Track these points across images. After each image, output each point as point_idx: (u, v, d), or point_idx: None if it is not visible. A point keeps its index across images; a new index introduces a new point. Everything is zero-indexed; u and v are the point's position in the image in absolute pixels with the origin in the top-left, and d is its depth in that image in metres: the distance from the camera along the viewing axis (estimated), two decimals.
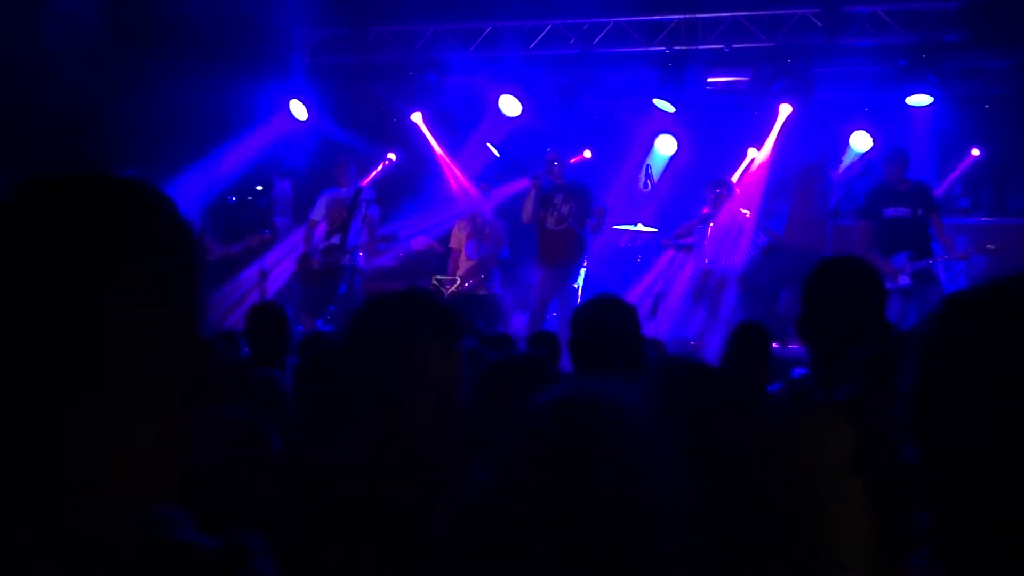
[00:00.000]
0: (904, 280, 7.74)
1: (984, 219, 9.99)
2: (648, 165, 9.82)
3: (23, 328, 0.89)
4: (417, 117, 11.33)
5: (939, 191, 10.19)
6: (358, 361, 1.95)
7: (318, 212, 9.29)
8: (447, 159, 11.28)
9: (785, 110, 10.42)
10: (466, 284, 9.42)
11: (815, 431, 2.41)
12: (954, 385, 0.97)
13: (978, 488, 0.93)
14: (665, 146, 10.81)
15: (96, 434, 0.90)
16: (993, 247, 7.79)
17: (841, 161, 10.75)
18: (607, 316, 3.46)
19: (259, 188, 11.77)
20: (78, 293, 0.89)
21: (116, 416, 0.91)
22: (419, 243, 10.14)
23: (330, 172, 9.53)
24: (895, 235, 7.89)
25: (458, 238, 9.70)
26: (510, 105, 10.67)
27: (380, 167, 11.97)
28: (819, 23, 9.97)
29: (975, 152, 10.64)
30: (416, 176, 12.04)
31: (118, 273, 0.92)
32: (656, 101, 10.45)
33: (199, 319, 0.99)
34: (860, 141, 10.57)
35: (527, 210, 8.83)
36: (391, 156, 12.29)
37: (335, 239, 8.96)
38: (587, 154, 10.31)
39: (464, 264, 9.56)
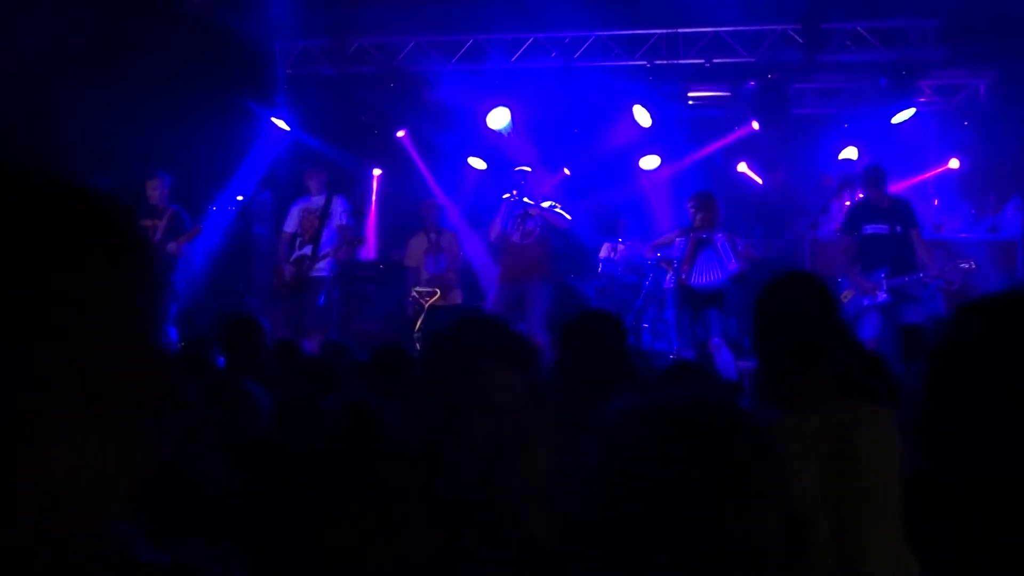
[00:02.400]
0: (882, 296, 7.78)
1: (962, 235, 10.04)
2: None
3: None
4: (402, 134, 11.37)
5: (914, 194, 10.35)
6: (426, 377, 1.99)
7: (291, 223, 8.99)
8: (428, 176, 11.35)
9: (754, 125, 10.62)
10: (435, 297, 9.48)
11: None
12: (956, 391, 0.97)
13: (983, 495, 0.93)
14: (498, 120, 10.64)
15: (48, 450, 0.87)
16: (968, 266, 7.82)
17: (823, 175, 10.86)
18: (595, 330, 3.44)
19: (239, 198, 11.73)
20: (29, 302, 0.86)
21: (69, 431, 0.88)
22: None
23: (301, 181, 9.26)
24: (874, 251, 7.92)
25: (414, 255, 9.68)
26: (499, 118, 10.67)
27: (375, 185, 11.99)
28: (800, 39, 10.03)
29: (955, 162, 10.72)
30: (400, 188, 12.08)
31: (73, 282, 0.89)
32: (636, 108, 10.48)
33: (157, 331, 0.97)
34: (847, 156, 10.72)
35: (495, 227, 8.82)
36: (377, 171, 12.32)
37: (306, 249, 8.77)
38: (566, 172, 10.35)
39: (426, 279, 9.56)
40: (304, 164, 9.40)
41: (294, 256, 8.78)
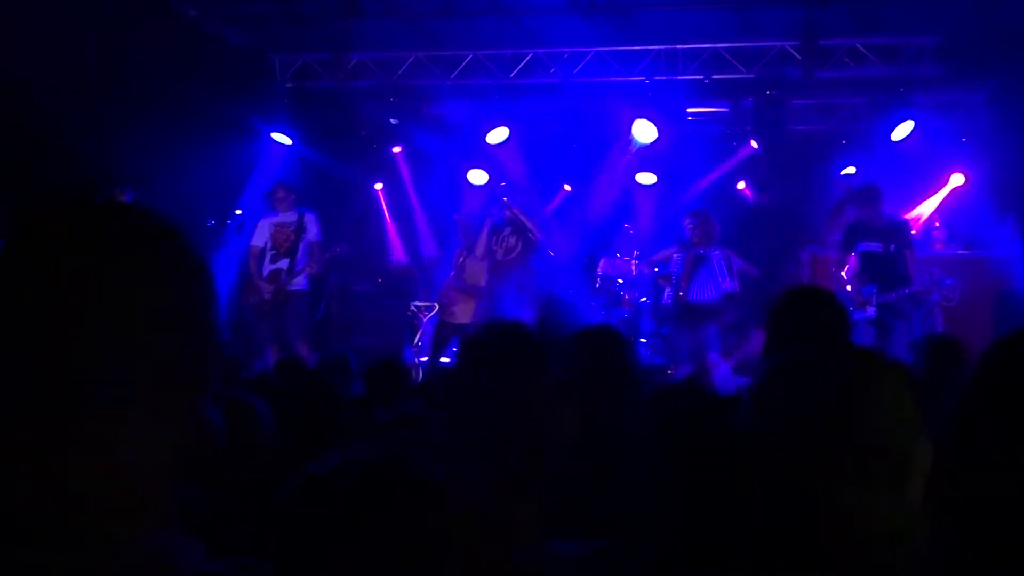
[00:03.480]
0: (871, 311, 7.85)
1: (961, 251, 10.04)
2: None
3: (14, 352, 0.86)
4: (398, 150, 11.38)
5: (920, 216, 10.37)
6: (463, 386, 2.04)
7: (259, 237, 8.98)
8: (414, 197, 11.41)
9: (752, 145, 10.64)
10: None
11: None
12: (995, 410, 1.05)
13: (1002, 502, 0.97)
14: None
15: (91, 457, 0.88)
16: (950, 283, 7.90)
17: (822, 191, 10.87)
18: (604, 346, 3.43)
19: (239, 212, 11.73)
20: (77, 319, 0.87)
21: (112, 439, 0.89)
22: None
23: (268, 199, 9.22)
24: (868, 268, 8.02)
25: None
26: (497, 134, 10.69)
27: (382, 201, 11.96)
28: (798, 55, 10.05)
29: (960, 178, 10.70)
30: (401, 201, 12.09)
31: (121, 299, 0.90)
32: (637, 123, 10.47)
33: (209, 348, 0.98)
34: (847, 173, 10.75)
35: (480, 244, 8.87)
36: (378, 185, 12.32)
37: (282, 263, 8.76)
38: (567, 188, 10.34)
39: (454, 290, 9.61)
40: (275, 184, 9.41)
41: (267, 271, 8.76)
